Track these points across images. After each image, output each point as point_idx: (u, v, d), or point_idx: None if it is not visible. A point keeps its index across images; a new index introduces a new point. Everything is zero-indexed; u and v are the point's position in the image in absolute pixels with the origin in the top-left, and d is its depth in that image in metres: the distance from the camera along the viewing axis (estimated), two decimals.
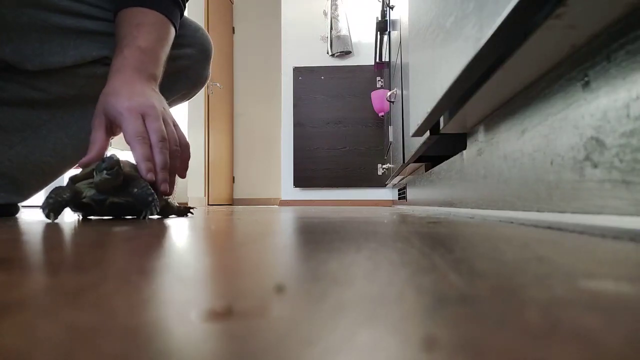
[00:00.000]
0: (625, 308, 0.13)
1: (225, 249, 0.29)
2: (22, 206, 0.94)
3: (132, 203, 0.65)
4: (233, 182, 4.81)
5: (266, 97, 4.83)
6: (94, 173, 0.62)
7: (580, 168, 0.39)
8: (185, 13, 0.83)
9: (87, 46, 0.78)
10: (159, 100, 0.70)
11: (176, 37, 0.80)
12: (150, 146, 0.65)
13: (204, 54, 0.88)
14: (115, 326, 0.11)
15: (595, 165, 0.37)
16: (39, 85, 0.80)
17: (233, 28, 4.86)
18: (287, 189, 3.31)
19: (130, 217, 0.69)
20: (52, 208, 0.62)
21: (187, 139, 0.75)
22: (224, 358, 0.09)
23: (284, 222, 0.65)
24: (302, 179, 3.25)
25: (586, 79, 0.38)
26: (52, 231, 0.45)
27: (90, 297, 0.15)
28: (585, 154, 0.39)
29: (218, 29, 4.28)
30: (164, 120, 0.68)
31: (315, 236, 0.38)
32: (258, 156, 4.85)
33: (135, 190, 0.64)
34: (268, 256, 0.25)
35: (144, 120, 0.66)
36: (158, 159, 0.65)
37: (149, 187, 0.65)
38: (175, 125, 0.72)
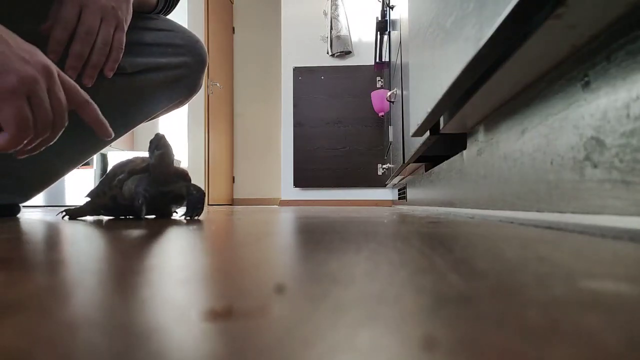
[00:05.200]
0: (625, 308, 0.13)
1: (225, 249, 0.29)
2: (23, 206, 0.94)
3: (183, 195, 0.71)
4: (233, 182, 4.81)
5: (266, 97, 4.83)
6: (150, 154, 0.66)
7: (580, 168, 0.39)
8: (186, 15, 0.87)
9: None
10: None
11: (180, 46, 0.87)
12: (72, 36, 0.66)
13: (201, 64, 0.93)
14: (115, 326, 0.11)
15: (595, 165, 0.37)
16: None
17: (233, 28, 4.85)
18: (287, 189, 3.31)
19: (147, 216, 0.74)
20: (147, 199, 0.66)
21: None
22: (224, 358, 0.09)
23: (284, 222, 0.65)
24: (302, 179, 3.25)
25: (586, 79, 0.38)
26: (52, 231, 0.45)
27: (90, 297, 0.15)
28: (585, 154, 0.39)
29: (218, 29, 4.27)
30: (105, 19, 0.69)
31: (316, 236, 0.38)
32: (258, 156, 4.84)
33: (194, 192, 0.70)
34: (268, 256, 0.25)
35: (80, 10, 0.67)
36: (74, 48, 0.67)
37: (202, 191, 0.72)
38: (118, 28, 0.72)
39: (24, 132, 0.54)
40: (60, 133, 0.61)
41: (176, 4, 0.91)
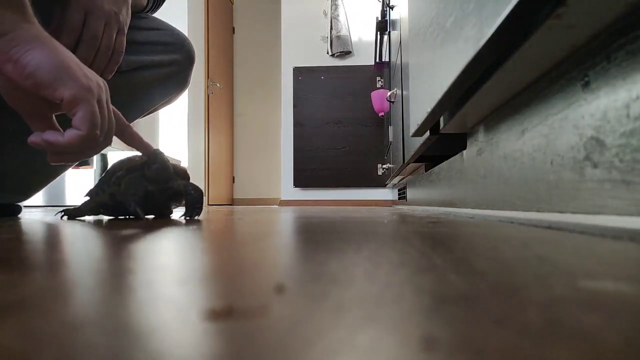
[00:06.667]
0: (625, 308, 0.13)
1: (225, 249, 0.29)
2: (24, 206, 0.94)
3: (182, 193, 0.71)
4: (233, 182, 4.81)
5: (266, 97, 4.83)
6: (145, 168, 0.67)
7: (580, 168, 0.39)
8: (186, 15, 0.88)
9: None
10: (115, 2, 0.71)
11: (170, 44, 0.90)
12: (79, 41, 0.67)
13: (190, 60, 0.96)
14: (115, 326, 0.11)
15: (595, 165, 0.37)
16: None
17: (233, 28, 4.85)
18: (287, 189, 3.31)
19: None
20: (139, 203, 0.65)
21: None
22: (224, 358, 0.09)
23: (284, 222, 0.65)
24: (302, 179, 3.25)
25: (586, 79, 0.38)
26: (52, 231, 0.45)
27: (90, 297, 0.15)
28: (585, 154, 0.39)
29: (218, 29, 4.27)
30: (108, 24, 0.70)
31: (316, 236, 0.38)
32: (258, 156, 4.85)
33: (192, 192, 0.70)
34: (268, 256, 0.25)
35: (85, 16, 0.67)
36: (80, 53, 0.67)
37: (200, 190, 0.72)
38: (119, 32, 0.73)
39: (94, 132, 0.55)
40: (100, 151, 0.62)
41: (162, 3, 0.93)
